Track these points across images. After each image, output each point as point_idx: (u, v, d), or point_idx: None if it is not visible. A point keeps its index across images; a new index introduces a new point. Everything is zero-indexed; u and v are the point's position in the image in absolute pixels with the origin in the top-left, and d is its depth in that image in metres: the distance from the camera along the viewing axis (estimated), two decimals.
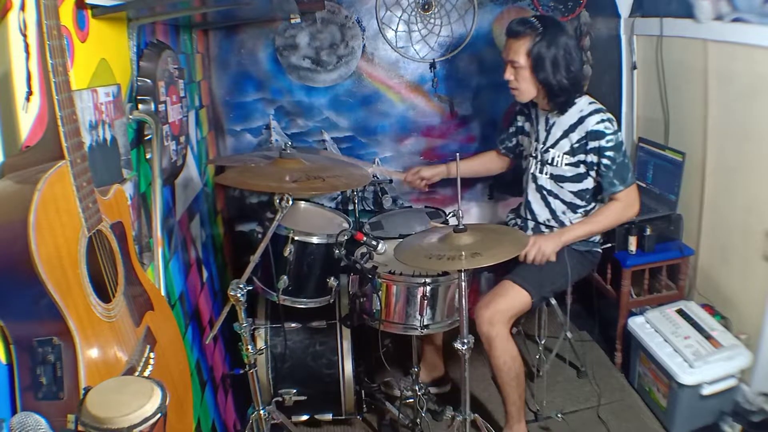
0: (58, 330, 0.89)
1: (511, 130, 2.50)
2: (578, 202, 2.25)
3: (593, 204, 2.28)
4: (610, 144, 2.11)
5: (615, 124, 2.15)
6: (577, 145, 2.16)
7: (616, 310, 2.64)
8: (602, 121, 2.12)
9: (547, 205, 2.29)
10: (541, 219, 2.31)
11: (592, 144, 2.13)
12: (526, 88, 2.17)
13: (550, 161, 2.24)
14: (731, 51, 2.28)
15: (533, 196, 2.33)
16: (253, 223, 3.02)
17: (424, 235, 1.88)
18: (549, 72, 2.09)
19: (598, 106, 2.17)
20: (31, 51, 1.04)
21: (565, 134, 2.19)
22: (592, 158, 2.15)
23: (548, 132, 2.25)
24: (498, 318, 2.09)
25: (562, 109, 2.18)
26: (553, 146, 2.23)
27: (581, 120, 2.14)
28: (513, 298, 2.13)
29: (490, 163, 2.64)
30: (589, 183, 2.23)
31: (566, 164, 2.20)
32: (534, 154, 2.31)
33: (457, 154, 1.95)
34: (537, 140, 2.30)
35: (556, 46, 2.07)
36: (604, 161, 2.13)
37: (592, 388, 2.54)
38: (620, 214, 2.19)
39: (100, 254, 1.03)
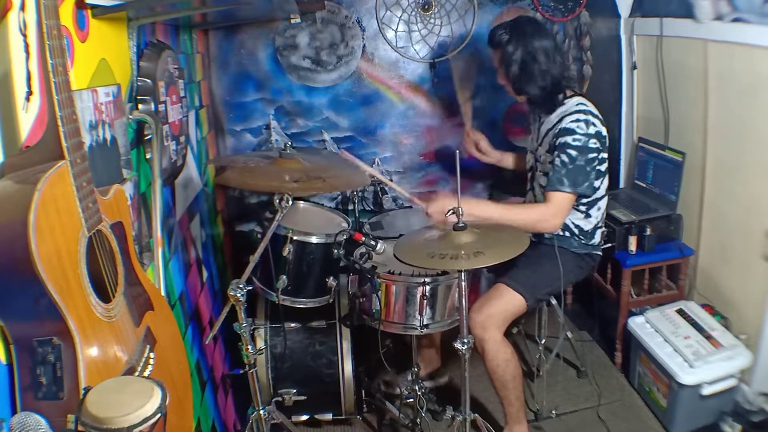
0: (58, 330, 0.89)
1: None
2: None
3: (589, 201, 2.19)
4: (576, 143, 2.04)
5: (593, 127, 2.04)
6: (554, 143, 2.11)
7: (616, 310, 2.64)
8: (577, 120, 2.05)
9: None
10: None
11: (559, 140, 2.07)
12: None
13: (540, 159, 2.23)
14: (731, 51, 2.28)
15: (532, 195, 2.33)
16: (253, 223, 3.02)
17: (424, 232, 1.87)
18: (521, 80, 2.11)
19: (586, 108, 2.09)
20: (31, 51, 1.04)
21: (547, 133, 2.18)
22: (557, 155, 2.09)
23: (538, 130, 2.25)
24: (490, 322, 2.07)
25: (548, 111, 2.18)
26: (541, 144, 2.23)
27: (561, 119, 2.11)
28: (507, 301, 2.11)
29: None
30: None
31: (549, 162, 2.16)
32: (533, 152, 2.31)
33: (457, 151, 1.94)
34: (536, 139, 2.30)
35: (524, 53, 2.07)
36: (563, 157, 2.04)
37: (592, 388, 2.53)
38: (540, 218, 2.07)
39: (100, 254, 1.03)
